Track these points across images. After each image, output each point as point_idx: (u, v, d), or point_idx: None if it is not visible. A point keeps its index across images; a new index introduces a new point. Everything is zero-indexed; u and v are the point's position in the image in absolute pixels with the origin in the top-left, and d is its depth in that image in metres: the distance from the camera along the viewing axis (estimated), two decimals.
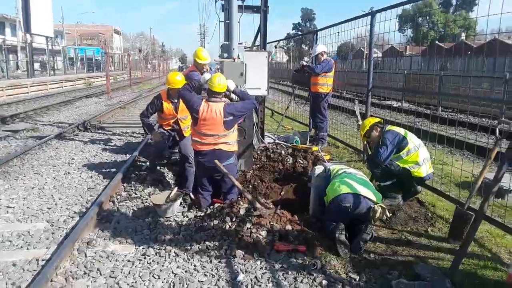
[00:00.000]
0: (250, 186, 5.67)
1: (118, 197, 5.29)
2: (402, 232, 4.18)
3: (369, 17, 6.27)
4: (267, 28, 7.65)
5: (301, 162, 6.00)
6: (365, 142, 5.30)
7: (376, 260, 3.64)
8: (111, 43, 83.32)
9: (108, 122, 12.35)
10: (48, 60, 33.37)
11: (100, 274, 3.40)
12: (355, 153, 7.51)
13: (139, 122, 6.82)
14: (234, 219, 4.12)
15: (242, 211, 4.19)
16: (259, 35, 7.90)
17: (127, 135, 10.03)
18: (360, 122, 5.35)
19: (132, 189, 5.58)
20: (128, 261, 3.65)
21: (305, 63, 8.17)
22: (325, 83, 7.87)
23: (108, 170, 6.63)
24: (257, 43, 8.21)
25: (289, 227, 4.10)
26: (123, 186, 5.76)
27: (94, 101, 19.19)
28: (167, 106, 5.96)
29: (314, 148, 7.40)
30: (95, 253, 3.76)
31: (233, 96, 4.98)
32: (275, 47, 12.38)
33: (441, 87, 15.39)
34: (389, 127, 4.88)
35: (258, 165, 6.18)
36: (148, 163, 6.62)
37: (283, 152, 6.30)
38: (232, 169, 4.92)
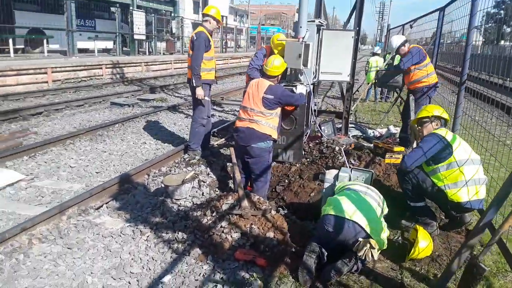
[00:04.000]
0: (287, 181, 5.18)
1: (156, 171, 5.49)
2: (404, 271, 3.19)
3: None
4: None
5: (352, 162, 5.16)
6: (417, 128, 4.03)
7: None
8: (292, 22, 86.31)
9: (231, 99, 12.66)
10: (221, 38, 36.57)
11: (64, 243, 3.58)
12: None
13: None
14: (214, 214, 3.82)
15: (224, 207, 3.85)
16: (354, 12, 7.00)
17: (230, 113, 10.30)
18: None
19: (176, 166, 5.72)
20: (102, 236, 3.76)
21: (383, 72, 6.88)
22: (423, 76, 6.44)
23: (180, 144, 6.92)
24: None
25: (270, 234, 3.59)
26: (176, 161, 5.95)
27: (241, 78, 20.24)
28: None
29: (397, 149, 6.29)
30: (82, 221, 3.98)
31: None
32: (411, 26, 10.82)
33: None
34: (440, 129, 3.72)
35: (308, 159, 5.58)
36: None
37: (337, 148, 5.52)
38: (261, 154, 4.57)
